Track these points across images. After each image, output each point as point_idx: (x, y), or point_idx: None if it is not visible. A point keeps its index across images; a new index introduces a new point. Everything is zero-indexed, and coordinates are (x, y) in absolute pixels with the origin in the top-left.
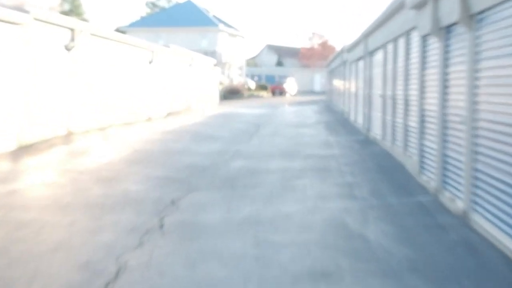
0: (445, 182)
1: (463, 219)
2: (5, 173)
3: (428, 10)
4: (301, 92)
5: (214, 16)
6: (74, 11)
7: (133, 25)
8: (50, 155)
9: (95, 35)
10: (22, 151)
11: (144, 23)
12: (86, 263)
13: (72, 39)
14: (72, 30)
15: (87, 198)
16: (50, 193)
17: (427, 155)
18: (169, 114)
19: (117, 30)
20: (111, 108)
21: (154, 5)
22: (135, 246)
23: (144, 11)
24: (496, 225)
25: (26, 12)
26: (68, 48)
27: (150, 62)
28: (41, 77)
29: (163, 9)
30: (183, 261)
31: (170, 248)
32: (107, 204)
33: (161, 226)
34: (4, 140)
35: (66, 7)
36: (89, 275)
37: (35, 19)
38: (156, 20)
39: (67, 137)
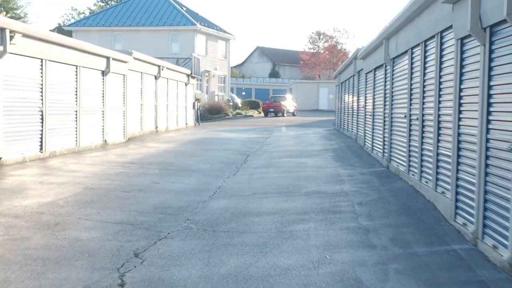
0: (486, 226)
1: (509, 272)
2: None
3: (467, 4)
4: (302, 111)
5: (189, 11)
6: (3, 5)
7: (80, 23)
8: None
9: (31, 36)
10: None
11: (94, 20)
12: None
13: (2, 42)
14: (1, 29)
15: None
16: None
17: (463, 191)
18: (130, 139)
19: (59, 29)
20: (57, 130)
21: None
22: None
23: (93, 3)
24: None
25: None
26: None
27: (103, 73)
28: None
29: (121, 2)
30: None
31: None
32: None
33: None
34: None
35: None
36: None
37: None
38: (112, 17)
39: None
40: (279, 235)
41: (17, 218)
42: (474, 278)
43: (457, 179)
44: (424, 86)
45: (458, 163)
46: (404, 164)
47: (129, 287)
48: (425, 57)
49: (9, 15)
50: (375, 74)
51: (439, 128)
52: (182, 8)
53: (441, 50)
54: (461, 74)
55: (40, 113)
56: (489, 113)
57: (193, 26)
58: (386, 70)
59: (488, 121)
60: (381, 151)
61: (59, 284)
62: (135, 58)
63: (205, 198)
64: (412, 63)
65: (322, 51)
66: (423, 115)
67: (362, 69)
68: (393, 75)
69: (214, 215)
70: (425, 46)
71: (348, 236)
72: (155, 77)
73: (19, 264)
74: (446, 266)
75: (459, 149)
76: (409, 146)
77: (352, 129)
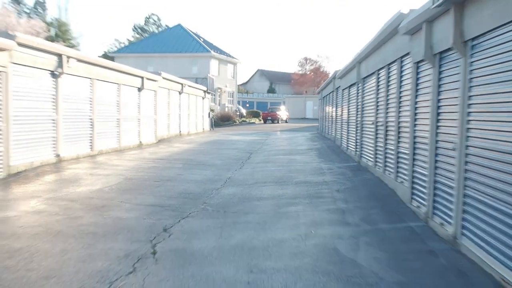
0: (436, 208)
1: (452, 244)
2: (158, 148)
3: (421, 36)
4: (293, 119)
5: (206, 41)
6: (60, 36)
7: (121, 51)
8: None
9: (82, 60)
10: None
11: (132, 49)
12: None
13: (60, 65)
14: (59, 56)
15: None
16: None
17: (418, 181)
18: (160, 141)
19: (105, 55)
20: (103, 134)
21: (142, 29)
22: (128, 272)
23: (131, 35)
24: (483, 248)
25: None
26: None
27: (139, 89)
28: None
29: (153, 34)
30: None
31: (162, 275)
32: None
33: (154, 253)
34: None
35: (52, 31)
36: None
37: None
38: (145, 46)
39: (59, 163)
40: (276, 215)
41: (72, 201)
42: (426, 248)
43: (413, 171)
44: (387, 100)
45: (414, 159)
46: (372, 160)
47: (159, 255)
48: (389, 77)
49: (65, 44)
50: (349, 90)
51: (399, 132)
52: (200, 39)
53: (401, 71)
54: (416, 90)
55: (90, 120)
56: (437, 120)
57: (208, 53)
58: (358, 87)
59: (437, 127)
60: (354, 150)
61: (105, 252)
62: (163, 78)
63: (218, 186)
64: (378, 82)
65: (308, 73)
66: (386, 122)
67: (339, 86)
68: (363, 91)
69: (225, 200)
70: (389, 68)
71: (329, 216)
72: (179, 92)
73: (74, 237)
74: (404, 239)
75: (414, 148)
76: (376, 146)
77: (332, 133)
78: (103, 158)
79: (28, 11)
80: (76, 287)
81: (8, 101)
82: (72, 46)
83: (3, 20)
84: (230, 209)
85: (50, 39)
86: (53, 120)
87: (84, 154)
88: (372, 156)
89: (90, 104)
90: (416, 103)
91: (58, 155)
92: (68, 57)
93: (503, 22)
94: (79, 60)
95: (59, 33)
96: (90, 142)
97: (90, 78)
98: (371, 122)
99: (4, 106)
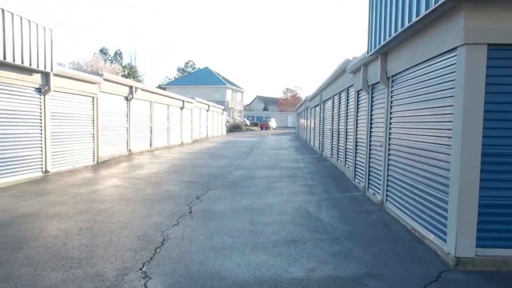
0: (370, 184)
1: (380, 206)
2: (193, 146)
3: (360, 74)
4: (279, 127)
5: (223, 78)
6: (131, 74)
7: (170, 84)
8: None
9: (145, 90)
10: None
11: (177, 82)
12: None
13: (131, 93)
14: (130, 87)
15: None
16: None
17: (358, 166)
18: (194, 141)
19: (159, 86)
20: (158, 136)
21: (183, 70)
22: (174, 224)
23: (176, 73)
24: (399, 209)
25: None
26: (128, 99)
27: (181, 108)
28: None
29: (189, 73)
30: (204, 233)
31: (195, 226)
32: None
33: (190, 212)
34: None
35: (126, 71)
36: (145, 243)
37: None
38: (185, 81)
39: (130, 155)
40: (268, 188)
41: (138, 179)
42: (363, 209)
43: (355, 160)
44: (339, 115)
45: (356, 152)
46: (329, 153)
47: (194, 213)
48: (340, 100)
49: (134, 79)
50: (315, 109)
51: (346, 135)
52: (219, 76)
53: (348, 96)
54: (357, 109)
55: (150, 128)
56: (371, 128)
57: (225, 85)
58: (320, 107)
59: (371, 132)
60: (318, 147)
61: (159, 211)
62: (196, 101)
63: (231, 170)
64: (333, 103)
65: (289, 98)
66: (338, 129)
67: (308, 106)
68: (324, 109)
69: (236, 178)
70: (340, 94)
71: (302, 189)
72: (206, 110)
73: (139, 202)
74: (350, 203)
75: (356, 145)
76: (332, 144)
77: (304, 136)
78: (158, 152)
79: (110, 58)
80: (141, 233)
81: (97, 116)
82: (138, 81)
83: (94, 64)
84: (239, 184)
85: (125, 76)
86: (126, 128)
87: (145, 150)
88: (329, 150)
89: (150, 118)
90: (357, 116)
91: (129, 150)
92: (136, 88)
93: (411, 65)
94: (143, 90)
95: (130, 72)
96: (150, 142)
97: (149, 101)
98: (328, 129)
99: (95, 119)
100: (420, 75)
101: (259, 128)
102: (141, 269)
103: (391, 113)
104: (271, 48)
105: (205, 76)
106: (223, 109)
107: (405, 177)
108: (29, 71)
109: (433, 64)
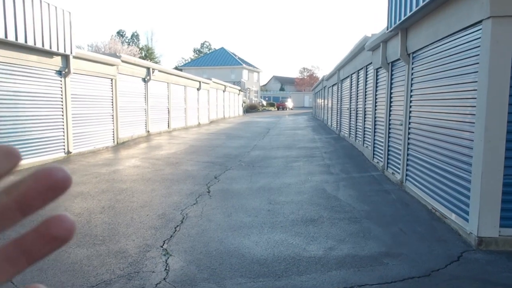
0: (389, 163)
1: (399, 186)
2: (210, 127)
3: (379, 51)
4: (296, 108)
5: (239, 58)
6: (148, 56)
7: (186, 65)
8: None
9: (162, 71)
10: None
11: (193, 63)
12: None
13: (148, 74)
14: (147, 68)
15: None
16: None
17: (377, 146)
18: (211, 122)
19: (176, 68)
20: (175, 117)
21: (199, 51)
22: (192, 203)
23: (192, 54)
24: (419, 188)
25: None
26: (145, 81)
27: (198, 89)
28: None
29: (205, 54)
30: (223, 212)
31: (214, 205)
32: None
33: (209, 192)
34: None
35: (143, 53)
36: (165, 221)
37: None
38: (201, 62)
39: (148, 136)
40: (285, 168)
41: (157, 160)
42: (382, 188)
43: (374, 139)
44: (357, 93)
45: (375, 132)
46: (347, 133)
47: (212, 193)
48: (358, 79)
49: (151, 61)
50: (332, 88)
51: (365, 115)
52: (236, 56)
53: (366, 75)
54: (376, 87)
55: (167, 109)
56: (390, 106)
57: (241, 66)
58: (338, 86)
59: (390, 110)
60: (335, 126)
61: (178, 191)
62: (213, 82)
63: (248, 150)
64: (351, 82)
65: (306, 77)
66: (357, 108)
67: (326, 85)
68: (341, 88)
69: (253, 158)
70: (358, 73)
71: (319, 168)
72: (223, 91)
73: (159, 182)
74: (368, 182)
75: (375, 124)
76: (350, 123)
77: (321, 116)
78: (175, 133)
79: (127, 40)
80: (161, 212)
81: (116, 98)
82: (155, 63)
83: (112, 46)
84: (256, 164)
85: (142, 58)
86: (145, 109)
87: (163, 131)
88: (347, 130)
89: (167, 99)
90: (376, 95)
91: (148, 131)
92: (153, 69)
93: (432, 41)
94: (160, 71)
95: (147, 54)
96: (167, 123)
97: (167, 82)
98: (346, 108)
99: (114, 101)
100: (443, 51)
101: (276, 109)
102: (161, 246)
103: (411, 90)
104: (287, 27)
105: (221, 56)
106: (239, 90)
107: (426, 156)
108: (49, 53)
109: (456, 39)
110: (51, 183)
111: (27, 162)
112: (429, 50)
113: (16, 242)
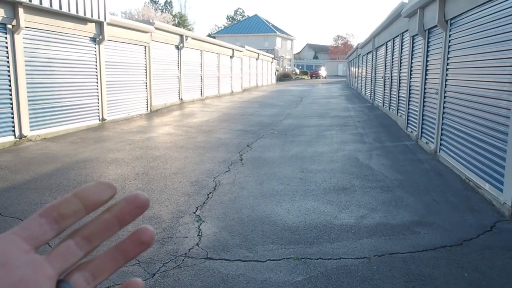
0: (423, 132)
1: (433, 156)
2: (243, 95)
3: (416, 18)
4: (329, 76)
5: (273, 25)
6: (181, 23)
7: (219, 32)
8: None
9: (195, 38)
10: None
11: (226, 31)
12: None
13: (181, 42)
14: (181, 36)
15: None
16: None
17: (411, 115)
18: (244, 90)
19: (209, 35)
20: (208, 85)
21: (232, 18)
22: (225, 171)
23: (225, 22)
24: (454, 158)
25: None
26: (178, 48)
27: (231, 57)
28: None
29: (239, 21)
30: (255, 180)
31: (246, 172)
32: (209, 145)
33: (241, 160)
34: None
35: (176, 20)
36: (198, 189)
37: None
38: (234, 29)
39: (181, 104)
40: (318, 136)
41: (190, 127)
42: (415, 157)
43: (408, 108)
44: (392, 61)
45: (409, 100)
46: (381, 102)
47: (244, 161)
48: (393, 46)
49: (184, 28)
50: (367, 56)
51: (399, 83)
52: (269, 23)
53: (402, 42)
54: (412, 55)
55: (200, 77)
56: (426, 75)
57: (274, 33)
58: (373, 54)
59: (426, 79)
60: (369, 95)
61: (211, 158)
62: (246, 49)
63: (281, 118)
64: (386, 50)
65: (340, 45)
66: (391, 77)
67: (360, 53)
68: (376, 56)
69: (285, 127)
70: (394, 40)
71: (352, 137)
72: (256, 59)
73: (192, 149)
74: (401, 151)
75: (410, 93)
76: (384, 92)
77: (355, 84)
78: (208, 101)
79: (161, 8)
80: (194, 179)
81: (150, 65)
82: (188, 30)
83: (145, 13)
84: (289, 133)
85: (175, 25)
86: (178, 76)
87: (196, 99)
88: (381, 99)
89: (200, 67)
90: (411, 63)
91: (181, 99)
92: (186, 36)
93: (472, 6)
94: (193, 38)
95: (180, 21)
96: (200, 91)
97: (200, 50)
98: (381, 77)
99: (148, 68)
100: (482, 17)
101: (309, 77)
102: (194, 212)
103: (448, 58)
104: None
105: (255, 24)
106: (272, 58)
107: (461, 125)
108: (84, 20)
109: (497, 4)
110: (138, 204)
111: (63, 128)
112: (468, 16)
113: (117, 246)
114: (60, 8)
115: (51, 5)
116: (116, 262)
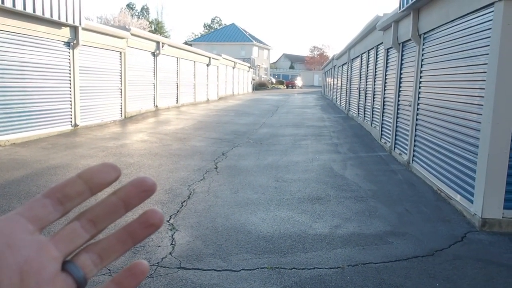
0: (396, 144)
1: (406, 166)
2: (219, 103)
3: (391, 31)
4: (305, 86)
5: (250, 35)
6: (158, 30)
7: (196, 40)
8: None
9: (171, 45)
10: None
11: (203, 39)
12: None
13: (158, 48)
14: (157, 42)
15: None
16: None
17: (385, 126)
18: (220, 98)
19: (185, 43)
20: (184, 93)
21: (210, 26)
22: (200, 179)
23: (202, 30)
24: (426, 169)
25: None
26: (154, 55)
27: (207, 65)
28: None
29: (216, 30)
30: (230, 189)
31: (221, 181)
32: (183, 152)
33: (216, 168)
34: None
35: (153, 27)
36: (172, 196)
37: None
38: (211, 37)
39: (156, 110)
40: (293, 146)
41: (165, 135)
42: (389, 168)
43: (382, 120)
44: (367, 73)
45: (383, 112)
46: (356, 112)
47: (219, 169)
48: (368, 58)
49: (161, 35)
50: (342, 67)
51: (374, 95)
52: (246, 33)
53: (377, 55)
54: (386, 68)
55: (176, 85)
56: (400, 87)
57: (251, 42)
58: (348, 65)
59: (399, 91)
60: (344, 106)
61: (185, 167)
62: (223, 58)
63: (257, 127)
64: (361, 62)
65: (316, 56)
66: (366, 88)
67: (336, 64)
68: (351, 67)
69: (261, 136)
70: (369, 53)
71: (327, 147)
72: (232, 67)
73: (166, 157)
74: (375, 162)
75: (384, 105)
76: (359, 103)
77: (330, 95)
78: (184, 109)
79: (137, 14)
80: (168, 187)
81: (125, 71)
82: (165, 37)
83: (121, 19)
84: (264, 142)
85: (152, 32)
86: (153, 83)
87: (172, 106)
88: (356, 110)
89: (176, 74)
90: (386, 75)
91: (156, 106)
92: (163, 43)
93: (444, 22)
94: (170, 45)
95: (157, 28)
96: (176, 98)
97: (176, 57)
98: (356, 88)
99: (123, 74)
100: (454, 32)
101: (285, 87)
102: (168, 221)
103: (421, 71)
104: (299, 5)
105: (232, 32)
106: (249, 67)
107: (433, 137)
108: (58, 24)
109: (468, 21)
110: (144, 187)
111: (34, 133)
112: (440, 31)
113: (125, 228)
114: (34, 11)
115: (24, 8)
116: (123, 244)
